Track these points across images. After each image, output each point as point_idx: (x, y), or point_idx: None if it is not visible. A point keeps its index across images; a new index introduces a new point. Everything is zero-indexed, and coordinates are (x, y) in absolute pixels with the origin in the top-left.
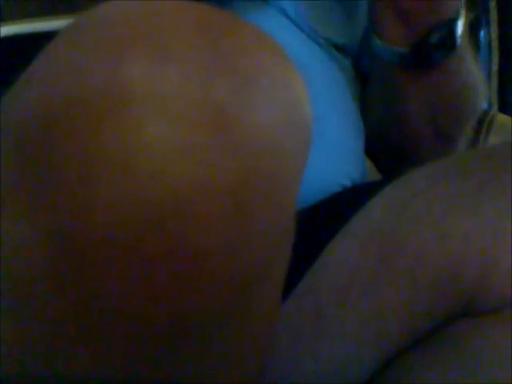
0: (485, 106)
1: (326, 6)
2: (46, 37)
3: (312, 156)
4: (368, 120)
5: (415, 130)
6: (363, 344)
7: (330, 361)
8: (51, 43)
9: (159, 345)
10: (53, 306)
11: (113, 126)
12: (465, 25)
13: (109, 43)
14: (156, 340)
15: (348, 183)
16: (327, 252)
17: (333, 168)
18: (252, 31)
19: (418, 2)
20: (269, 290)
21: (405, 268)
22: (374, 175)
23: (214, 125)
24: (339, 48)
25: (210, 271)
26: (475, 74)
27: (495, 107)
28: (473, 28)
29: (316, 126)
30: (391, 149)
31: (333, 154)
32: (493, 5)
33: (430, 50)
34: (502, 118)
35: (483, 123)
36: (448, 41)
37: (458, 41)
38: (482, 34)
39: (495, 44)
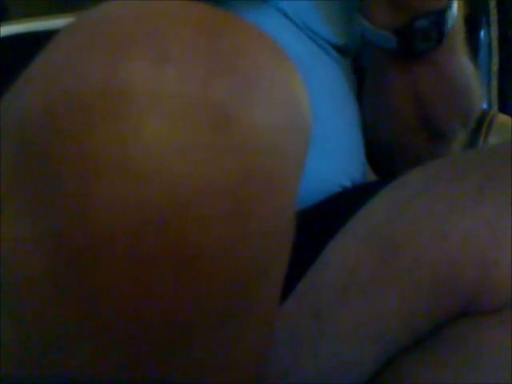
0: (485, 106)
1: (325, 6)
2: (45, 36)
3: (312, 156)
4: (363, 117)
5: (403, 124)
6: (363, 344)
7: (329, 361)
8: (51, 43)
9: (158, 345)
10: (52, 306)
11: (112, 126)
12: (459, 19)
13: (108, 43)
14: (155, 340)
15: (348, 183)
16: (327, 252)
17: (333, 168)
18: (252, 31)
19: None
20: (268, 289)
21: (404, 268)
22: (374, 175)
23: (214, 125)
24: (339, 48)
25: (210, 271)
26: (469, 73)
27: (495, 107)
28: (473, 28)
29: (316, 126)
30: (383, 146)
31: (333, 155)
32: (493, 5)
33: (414, 38)
34: (502, 118)
35: (483, 123)
36: (434, 31)
37: (446, 33)
38: (481, 33)
39: (495, 44)
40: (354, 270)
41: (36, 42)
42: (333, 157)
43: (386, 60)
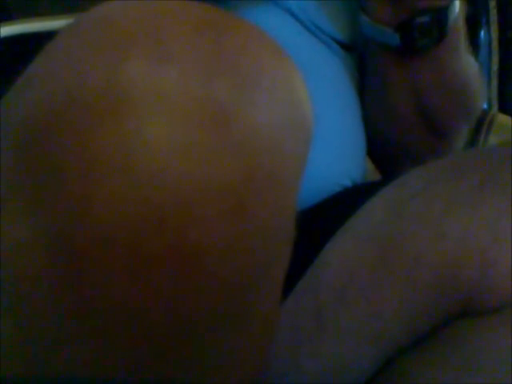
0: (485, 105)
1: (330, 3)
2: (46, 36)
3: (313, 155)
4: (365, 115)
5: (403, 121)
6: (363, 344)
7: (329, 361)
8: (51, 42)
9: (159, 344)
10: (53, 306)
11: (113, 126)
12: (460, 18)
13: (109, 43)
14: (156, 340)
15: (348, 183)
16: (326, 251)
17: (333, 168)
18: (252, 30)
19: None
20: (269, 289)
21: (404, 268)
22: (374, 175)
23: (215, 124)
24: (344, 45)
25: (211, 270)
26: (471, 70)
27: (495, 107)
28: (473, 28)
29: (317, 125)
30: (384, 144)
31: (334, 154)
32: (493, 5)
33: (414, 34)
34: (502, 118)
35: (483, 123)
36: (434, 28)
37: (447, 30)
38: (482, 33)
39: (495, 44)
40: (353, 270)
41: (37, 42)
42: (334, 156)
43: (385, 56)
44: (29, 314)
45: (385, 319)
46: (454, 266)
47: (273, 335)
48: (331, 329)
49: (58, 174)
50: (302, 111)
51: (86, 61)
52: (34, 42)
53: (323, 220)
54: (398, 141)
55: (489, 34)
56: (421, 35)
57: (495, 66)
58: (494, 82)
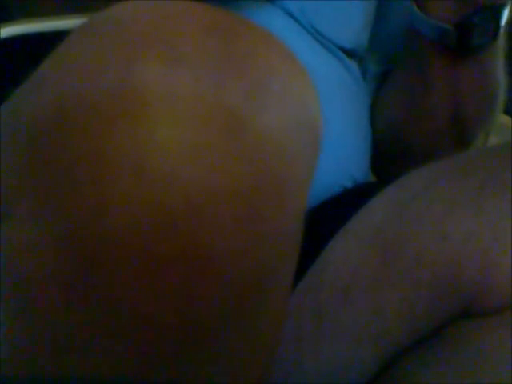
0: None
1: (331, 8)
2: (56, 37)
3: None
4: (377, 121)
5: (435, 125)
6: (364, 344)
7: (330, 360)
8: (63, 43)
9: (170, 346)
10: (64, 309)
11: (125, 128)
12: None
13: (121, 45)
14: (167, 341)
15: (350, 184)
16: (328, 251)
17: (336, 170)
18: (263, 34)
19: None
20: (278, 291)
21: (405, 268)
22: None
23: (226, 128)
24: (345, 50)
25: (222, 274)
26: (502, 77)
27: None
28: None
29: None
30: (402, 147)
31: (337, 156)
32: None
33: (472, 31)
34: (502, 118)
35: None
36: (491, 27)
37: (501, 29)
38: None
39: None
40: (354, 270)
41: (46, 42)
42: (337, 158)
43: (432, 56)
44: (39, 315)
45: (386, 319)
46: (455, 267)
47: (280, 335)
48: (332, 328)
49: (70, 175)
50: (312, 114)
51: (98, 63)
52: (35, 43)
53: (325, 220)
54: (422, 144)
55: None
56: (478, 33)
57: None
58: None
